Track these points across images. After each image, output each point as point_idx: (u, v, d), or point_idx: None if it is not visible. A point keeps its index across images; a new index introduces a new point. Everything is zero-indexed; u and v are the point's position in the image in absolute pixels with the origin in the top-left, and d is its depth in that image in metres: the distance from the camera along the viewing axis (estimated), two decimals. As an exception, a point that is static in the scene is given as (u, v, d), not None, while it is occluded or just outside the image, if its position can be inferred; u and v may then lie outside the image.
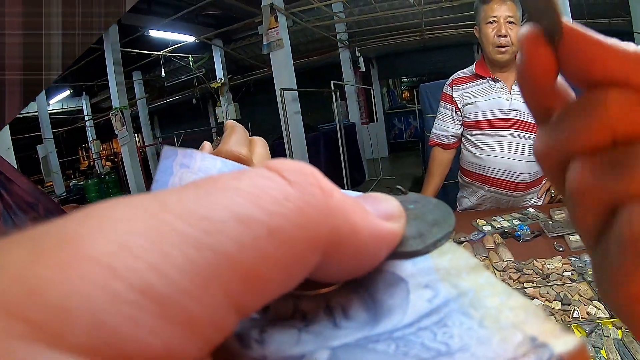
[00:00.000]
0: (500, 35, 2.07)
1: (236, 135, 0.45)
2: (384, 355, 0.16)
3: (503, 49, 2.09)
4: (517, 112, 2.12)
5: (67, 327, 0.11)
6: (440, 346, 0.16)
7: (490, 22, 2.10)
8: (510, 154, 2.12)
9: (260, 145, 0.49)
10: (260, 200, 0.15)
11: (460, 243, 1.92)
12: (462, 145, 2.35)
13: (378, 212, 0.19)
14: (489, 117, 2.16)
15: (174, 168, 0.23)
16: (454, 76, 2.35)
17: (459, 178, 2.45)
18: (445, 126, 2.33)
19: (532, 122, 2.10)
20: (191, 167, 0.23)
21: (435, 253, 0.20)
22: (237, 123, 0.48)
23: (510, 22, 2.07)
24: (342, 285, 0.20)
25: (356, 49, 10.60)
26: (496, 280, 0.18)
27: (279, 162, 0.17)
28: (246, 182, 0.16)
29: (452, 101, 2.29)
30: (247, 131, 0.48)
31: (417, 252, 0.20)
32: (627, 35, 8.82)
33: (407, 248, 0.20)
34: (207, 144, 0.52)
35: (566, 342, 0.15)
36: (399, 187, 0.26)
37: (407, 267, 0.20)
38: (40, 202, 0.69)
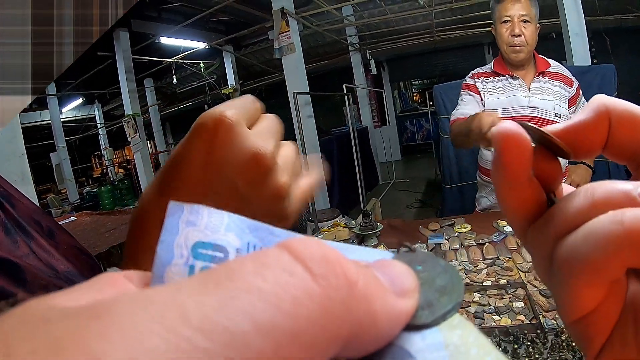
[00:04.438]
0: (514, 35, 2.05)
1: (267, 123, 0.42)
2: None
3: (517, 48, 2.06)
4: (535, 110, 2.09)
5: None
6: None
7: (505, 22, 2.09)
8: None
9: (287, 148, 0.45)
10: (283, 303, 0.15)
11: (482, 244, 1.89)
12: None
13: (394, 287, 0.19)
14: (508, 114, 2.13)
15: (180, 226, 0.21)
16: (474, 71, 2.31)
17: (477, 177, 2.41)
18: (467, 109, 2.18)
19: (552, 119, 2.07)
20: (197, 225, 0.22)
21: (444, 327, 0.20)
22: (273, 115, 0.44)
23: (525, 21, 2.05)
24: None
25: (367, 52, 10.59)
26: (505, 359, 0.18)
27: (302, 247, 0.17)
28: (268, 282, 0.15)
29: (477, 91, 2.23)
30: (281, 123, 0.44)
31: (426, 325, 0.20)
32: (638, 32, 8.77)
33: (416, 320, 0.19)
34: None
35: None
36: (407, 244, 0.25)
37: (416, 342, 0.19)
38: (43, 220, 0.69)
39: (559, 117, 2.09)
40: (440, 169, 5.25)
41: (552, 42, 7.01)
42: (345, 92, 6.77)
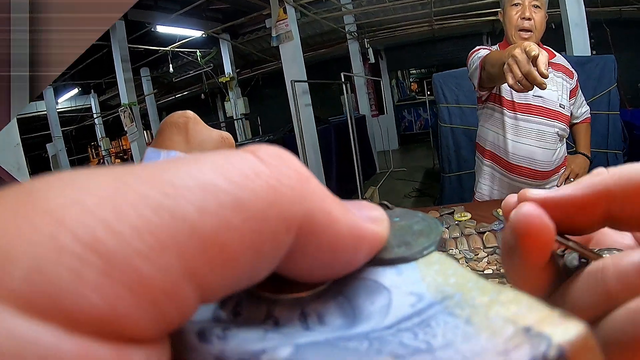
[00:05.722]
0: (524, 18, 2.01)
1: None
2: (354, 353, 0.15)
3: (526, 35, 2.02)
4: (540, 99, 2.06)
5: (4, 271, 0.11)
6: (420, 344, 0.15)
7: (515, 5, 2.04)
8: (532, 141, 2.05)
9: None
10: (229, 173, 0.15)
11: (482, 233, 1.88)
12: (482, 121, 2.27)
13: (361, 214, 0.19)
14: (513, 98, 2.09)
15: None
16: (479, 47, 2.17)
17: (476, 159, 2.37)
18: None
19: (556, 109, 2.05)
20: None
21: (422, 264, 0.19)
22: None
23: (535, 6, 2.02)
24: (320, 292, 0.19)
25: (365, 40, 10.55)
26: (486, 283, 0.17)
27: (256, 146, 0.17)
28: (218, 157, 0.16)
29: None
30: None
31: (403, 259, 0.20)
32: (638, 23, 8.75)
33: (392, 255, 0.20)
34: None
35: (567, 329, 0.14)
36: (385, 202, 0.25)
37: (391, 276, 0.19)
38: None
39: (563, 108, 2.06)
40: (438, 157, 5.24)
41: (551, 33, 6.97)
42: (343, 80, 6.74)
